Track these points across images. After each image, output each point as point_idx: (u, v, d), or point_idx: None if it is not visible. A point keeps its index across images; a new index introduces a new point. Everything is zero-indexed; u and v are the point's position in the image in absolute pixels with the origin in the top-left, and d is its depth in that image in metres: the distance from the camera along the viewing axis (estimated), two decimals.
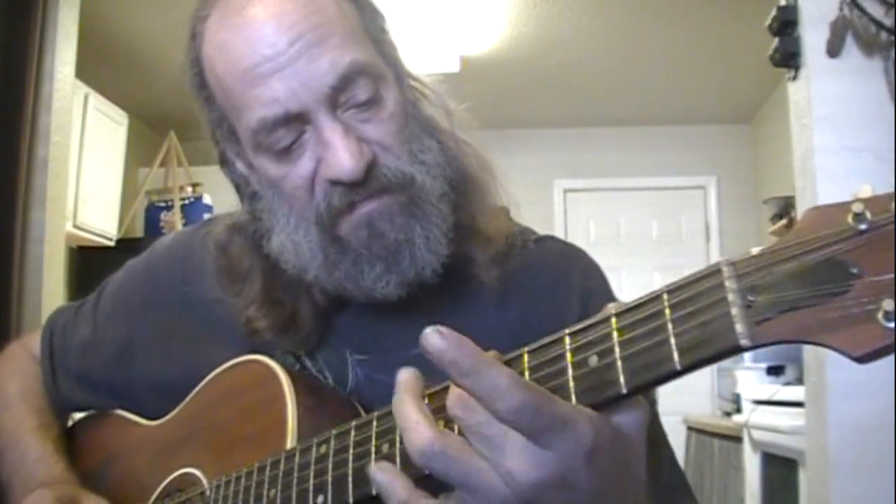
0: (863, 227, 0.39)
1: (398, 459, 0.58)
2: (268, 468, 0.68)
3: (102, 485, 0.88)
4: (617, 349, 0.47)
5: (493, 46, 3.75)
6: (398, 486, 0.52)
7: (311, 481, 0.63)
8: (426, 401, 0.54)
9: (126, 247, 3.70)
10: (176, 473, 0.80)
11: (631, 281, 4.60)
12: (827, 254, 0.40)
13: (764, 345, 0.41)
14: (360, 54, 0.68)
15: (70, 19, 2.43)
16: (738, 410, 3.36)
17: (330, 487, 0.61)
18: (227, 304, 0.80)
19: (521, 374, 0.52)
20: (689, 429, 3.98)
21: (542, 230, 0.86)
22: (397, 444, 0.58)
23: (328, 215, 0.70)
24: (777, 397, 2.85)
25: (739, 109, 4.66)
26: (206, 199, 4.12)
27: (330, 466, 0.62)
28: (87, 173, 3.47)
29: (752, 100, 4.50)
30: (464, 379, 0.47)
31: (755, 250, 0.44)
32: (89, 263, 3.68)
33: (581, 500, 0.47)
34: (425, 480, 0.54)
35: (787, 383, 2.99)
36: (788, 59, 2.04)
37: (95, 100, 3.51)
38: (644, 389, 0.46)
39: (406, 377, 0.53)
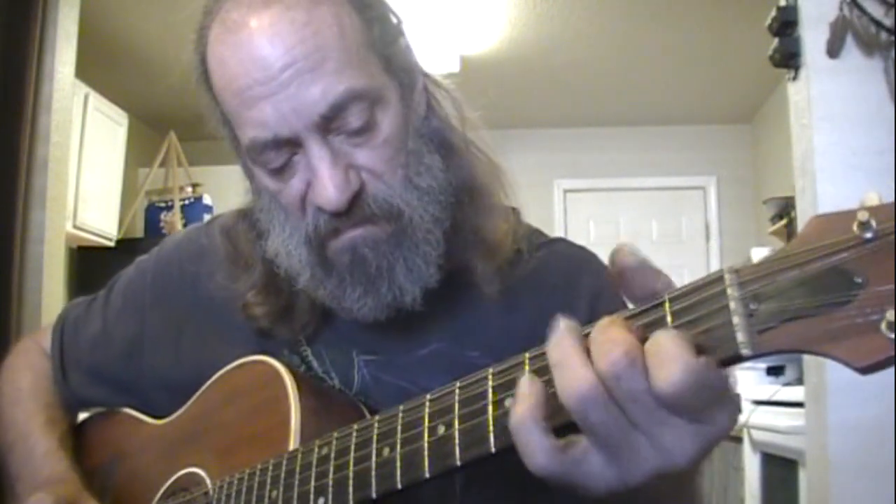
0: (868, 235, 0.38)
1: (398, 463, 0.58)
2: (270, 469, 0.68)
3: (108, 483, 0.88)
4: None
5: (493, 46, 3.74)
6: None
7: (313, 483, 0.63)
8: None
9: (126, 247, 3.70)
10: (180, 473, 0.81)
11: None
12: (831, 263, 0.39)
13: (765, 354, 0.40)
14: (355, 80, 0.66)
15: (70, 19, 2.42)
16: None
17: (331, 490, 0.62)
18: (233, 300, 0.81)
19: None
20: None
21: (542, 230, 0.86)
22: (398, 448, 0.58)
23: (315, 237, 0.70)
24: (777, 397, 2.85)
25: (739, 109, 4.66)
26: (206, 200, 4.12)
27: (331, 469, 0.62)
28: (87, 173, 3.46)
29: (752, 100, 4.50)
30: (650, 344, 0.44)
31: (755, 252, 0.44)
32: (89, 263, 3.68)
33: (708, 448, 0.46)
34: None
35: (787, 383, 2.99)
36: (788, 59, 2.04)
37: (95, 100, 3.51)
38: None
39: (567, 323, 0.48)
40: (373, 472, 0.59)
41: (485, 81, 4.00)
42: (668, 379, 0.42)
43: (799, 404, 2.36)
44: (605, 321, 0.47)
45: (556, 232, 4.85)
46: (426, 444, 0.56)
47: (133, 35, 3.41)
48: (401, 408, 0.60)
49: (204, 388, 0.81)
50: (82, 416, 1.01)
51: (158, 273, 0.91)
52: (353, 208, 0.68)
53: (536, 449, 0.47)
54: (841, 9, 1.94)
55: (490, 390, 0.54)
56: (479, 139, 0.79)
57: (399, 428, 0.59)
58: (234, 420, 0.77)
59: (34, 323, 2.21)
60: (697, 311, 0.44)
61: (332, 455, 0.63)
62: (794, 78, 2.06)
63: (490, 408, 0.54)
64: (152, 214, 4.16)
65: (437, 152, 0.74)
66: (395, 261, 0.69)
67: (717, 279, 0.44)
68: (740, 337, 0.41)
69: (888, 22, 1.92)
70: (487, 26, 3.55)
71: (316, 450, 0.64)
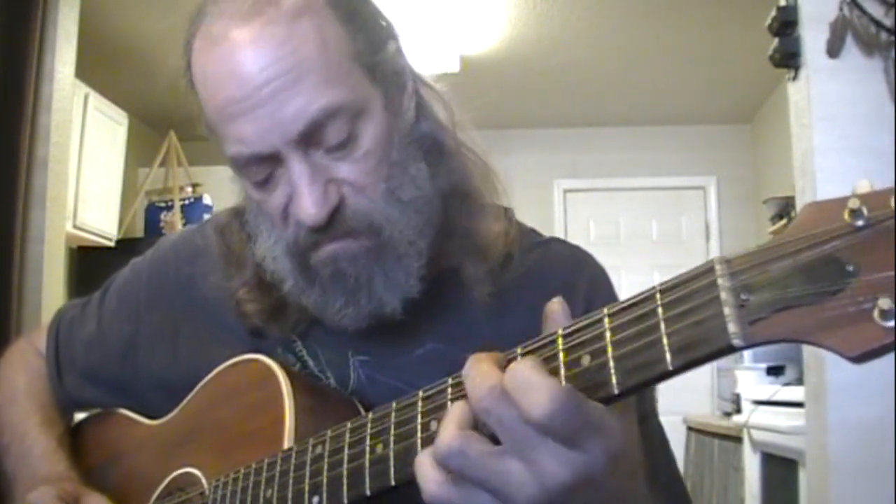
0: (859, 223, 0.38)
1: (392, 461, 0.58)
2: (265, 469, 0.68)
3: (105, 483, 0.88)
4: (609, 349, 0.47)
5: (493, 46, 3.74)
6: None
7: (307, 482, 0.63)
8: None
9: (126, 247, 3.70)
10: (176, 473, 0.80)
11: (631, 281, 4.59)
12: (822, 251, 0.39)
13: (757, 344, 0.40)
14: (334, 96, 0.66)
15: (70, 19, 2.42)
16: (738, 411, 3.35)
17: (325, 488, 0.62)
18: (228, 300, 0.81)
19: None
20: (689, 429, 3.98)
21: (542, 230, 0.86)
22: (391, 445, 0.58)
23: (297, 249, 0.71)
24: (777, 397, 2.84)
25: (739, 109, 4.66)
26: (206, 200, 4.12)
27: (325, 467, 0.62)
28: (87, 173, 3.46)
29: (752, 100, 4.49)
30: (508, 376, 0.48)
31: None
32: (89, 263, 3.68)
33: (602, 500, 0.49)
34: None
35: (787, 383, 2.99)
36: (788, 59, 2.03)
37: (95, 100, 3.51)
38: (636, 390, 0.46)
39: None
40: (366, 470, 0.59)
41: (485, 81, 4.02)
42: (537, 405, 0.46)
43: (799, 404, 2.36)
44: (474, 358, 0.52)
45: (556, 232, 4.86)
46: (420, 441, 0.56)
47: (133, 35, 3.41)
48: (394, 405, 0.60)
49: (199, 387, 0.81)
50: (78, 416, 1.01)
51: (154, 274, 0.91)
52: (333, 223, 0.68)
53: (428, 480, 0.51)
54: (841, 9, 1.94)
55: None
56: (470, 140, 0.79)
57: (392, 425, 0.59)
58: (229, 419, 0.77)
59: (34, 323, 2.21)
60: (688, 303, 0.44)
61: (326, 453, 0.63)
62: (794, 78, 2.05)
63: None
64: (152, 214, 4.16)
65: (424, 159, 0.74)
66: (374, 274, 0.70)
67: (707, 270, 0.43)
68: (732, 328, 0.41)
69: (888, 22, 1.92)
70: (487, 26, 3.55)
71: (310, 448, 0.64)
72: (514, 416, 0.47)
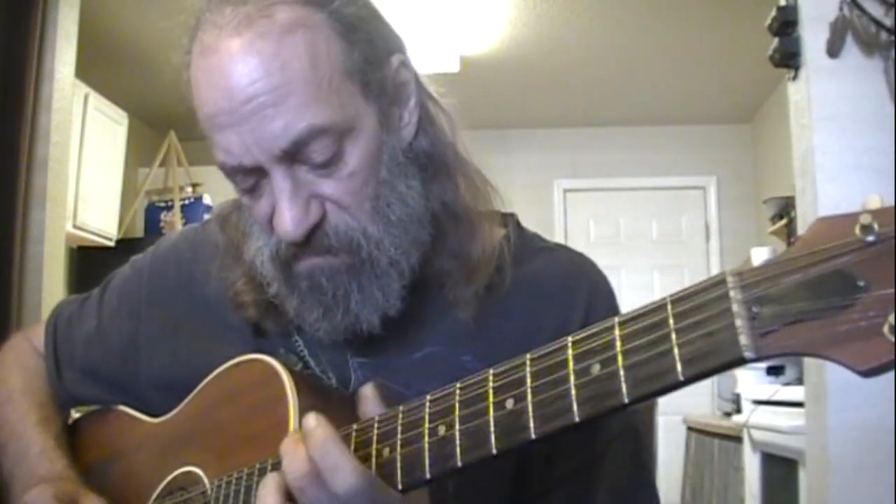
0: (870, 238, 0.38)
1: (399, 464, 0.58)
2: (269, 469, 0.67)
3: (104, 482, 0.88)
4: (620, 358, 0.47)
5: (493, 46, 3.74)
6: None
7: None
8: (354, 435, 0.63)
9: (126, 247, 3.70)
10: (177, 472, 0.80)
11: (631, 281, 4.60)
12: (834, 266, 0.39)
13: (768, 357, 0.40)
14: (319, 116, 0.65)
15: (70, 19, 2.42)
16: (738, 410, 3.35)
17: None
18: (228, 299, 0.81)
19: (524, 380, 0.52)
20: (689, 429, 3.98)
21: (542, 230, 0.86)
22: (398, 449, 0.58)
23: (279, 258, 0.71)
24: (777, 397, 2.85)
25: (739, 109, 4.66)
26: (206, 200, 4.11)
27: None
28: (87, 173, 3.46)
29: (752, 100, 4.49)
30: (320, 457, 0.57)
31: (755, 252, 0.44)
32: (89, 263, 3.68)
33: None
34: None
35: (787, 383, 2.99)
36: (788, 59, 2.03)
37: (95, 100, 3.51)
38: (645, 399, 0.46)
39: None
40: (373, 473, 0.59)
41: (485, 81, 4.02)
42: (344, 484, 0.56)
43: (799, 404, 2.36)
44: (290, 439, 0.60)
45: (556, 232, 4.85)
46: (426, 445, 0.56)
47: (133, 35, 3.40)
48: (401, 408, 0.60)
49: (201, 386, 0.81)
50: (75, 414, 1.01)
51: (154, 272, 0.91)
52: (313, 238, 0.69)
53: None
54: (841, 9, 1.94)
55: (491, 391, 0.54)
56: (469, 154, 0.79)
57: (399, 428, 0.59)
58: (231, 419, 0.76)
59: (34, 323, 2.20)
60: (699, 314, 0.44)
61: None
62: (794, 78, 2.05)
63: (491, 409, 0.54)
64: (152, 214, 4.16)
65: (419, 176, 0.73)
66: (351, 291, 0.70)
67: (719, 282, 0.44)
68: (743, 340, 0.41)
69: (888, 22, 1.92)
70: (487, 26, 3.55)
71: None
72: (323, 495, 0.57)
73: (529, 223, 0.85)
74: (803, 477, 2.46)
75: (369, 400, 0.64)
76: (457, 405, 0.56)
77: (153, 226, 4.12)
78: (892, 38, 1.92)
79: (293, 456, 0.58)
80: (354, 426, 0.63)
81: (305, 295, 0.71)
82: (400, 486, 0.58)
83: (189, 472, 0.79)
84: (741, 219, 4.77)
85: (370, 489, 0.56)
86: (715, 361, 0.43)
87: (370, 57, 0.70)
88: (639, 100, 4.48)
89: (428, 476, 0.56)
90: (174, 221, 4.04)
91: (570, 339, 0.51)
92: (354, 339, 0.72)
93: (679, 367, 0.44)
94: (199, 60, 0.68)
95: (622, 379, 0.47)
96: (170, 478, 0.81)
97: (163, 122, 4.16)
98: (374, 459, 0.60)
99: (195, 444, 0.80)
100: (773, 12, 2.05)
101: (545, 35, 3.64)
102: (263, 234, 0.72)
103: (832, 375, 1.88)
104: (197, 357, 0.83)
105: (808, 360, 2.08)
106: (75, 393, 0.95)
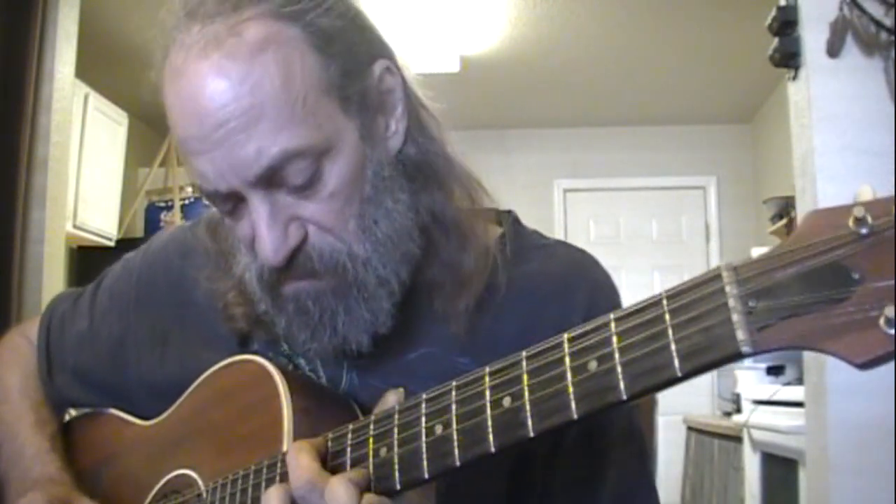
0: (864, 231, 0.38)
1: (396, 464, 0.58)
2: (264, 470, 0.67)
3: (98, 485, 0.87)
4: (616, 354, 0.47)
5: (493, 46, 3.74)
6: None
7: None
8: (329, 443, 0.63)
9: (126, 247, 3.63)
10: (171, 475, 0.80)
11: (631, 281, 4.60)
12: (828, 259, 0.39)
13: (765, 351, 0.40)
14: (294, 139, 0.63)
15: (70, 19, 2.42)
16: (738, 410, 3.35)
17: None
18: (217, 306, 0.80)
19: (520, 377, 0.52)
20: (689, 429, 3.98)
21: (542, 231, 0.84)
22: (395, 448, 0.58)
23: (263, 280, 0.70)
24: (777, 397, 2.84)
25: (739, 109, 4.66)
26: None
27: (327, 469, 0.62)
28: (87, 173, 3.46)
29: (752, 100, 4.50)
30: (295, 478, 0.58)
31: (755, 252, 0.44)
32: (89, 263, 3.68)
33: None
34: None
35: (787, 383, 2.99)
36: (788, 59, 2.03)
37: (95, 100, 3.51)
38: (643, 395, 0.46)
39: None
40: (371, 474, 0.59)
41: (485, 81, 4.02)
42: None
43: (799, 404, 2.36)
44: (297, 446, 0.60)
45: (556, 232, 4.85)
46: (424, 445, 0.56)
47: (133, 35, 3.41)
48: (397, 407, 0.60)
49: (192, 388, 0.80)
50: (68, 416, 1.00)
51: (144, 274, 0.90)
52: (295, 262, 0.67)
53: None
54: (841, 9, 1.94)
55: (488, 390, 0.54)
56: (460, 158, 0.77)
57: (396, 428, 0.59)
58: (224, 420, 0.76)
59: None
60: (696, 309, 0.44)
61: (328, 456, 0.63)
62: (794, 78, 2.05)
63: (488, 407, 0.53)
64: (152, 214, 4.16)
65: (407, 188, 0.71)
66: (338, 314, 0.68)
67: (714, 277, 0.44)
68: (740, 335, 0.41)
69: (888, 22, 1.92)
70: (487, 26, 3.55)
71: None
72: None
73: (529, 223, 0.84)
74: (803, 477, 2.46)
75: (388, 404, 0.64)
76: (454, 404, 0.56)
77: (153, 226, 4.12)
78: (892, 38, 1.92)
79: (297, 463, 0.59)
80: (350, 426, 0.62)
81: (292, 317, 0.69)
82: (398, 486, 0.58)
83: (183, 475, 0.78)
84: (741, 219, 4.77)
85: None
86: (712, 356, 0.43)
87: (350, 68, 0.67)
88: (639, 100, 4.48)
89: (426, 475, 0.56)
90: (174, 221, 4.04)
91: (566, 335, 0.51)
92: (345, 356, 0.71)
93: (676, 363, 0.44)
94: (169, 84, 0.66)
95: (619, 375, 0.46)
96: (164, 481, 0.80)
97: (163, 122, 4.02)
98: (371, 459, 0.60)
99: (188, 447, 0.79)
100: (773, 12, 2.05)
101: (545, 35, 3.64)
102: (248, 254, 0.71)
103: (832, 375, 1.88)
104: (185, 361, 0.82)
105: (807, 360, 2.08)
106: (65, 394, 0.95)
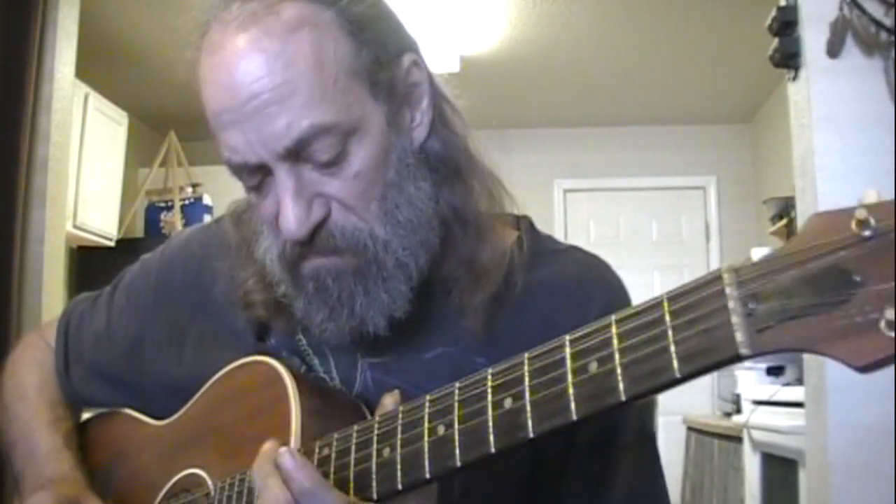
0: (867, 234, 0.38)
1: (398, 464, 0.58)
2: None
3: (110, 484, 0.88)
4: (617, 356, 0.47)
5: (493, 46, 3.74)
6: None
7: None
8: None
9: (126, 247, 3.70)
10: (181, 474, 0.80)
11: (631, 281, 4.52)
12: (830, 262, 0.39)
13: (764, 353, 0.40)
14: (323, 115, 0.65)
15: (70, 19, 2.42)
16: (738, 411, 3.35)
17: None
18: (235, 304, 0.80)
19: (522, 379, 0.52)
20: (689, 429, 3.98)
21: (554, 237, 0.84)
22: (398, 448, 0.58)
23: (285, 258, 0.71)
24: (777, 398, 2.84)
25: (739, 109, 4.66)
26: (206, 200, 4.11)
27: (332, 470, 0.62)
28: (87, 173, 3.46)
29: (752, 100, 4.50)
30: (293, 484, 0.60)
31: (755, 252, 0.44)
32: (89, 263, 3.68)
33: None
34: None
35: (787, 384, 2.99)
36: (788, 59, 2.03)
37: (95, 100, 3.51)
38: (642, 397, 0.46)
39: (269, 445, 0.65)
40: (373, 474, 0.59)
41: (485, 81, 4.02)
42: None
43: (799, 404, 2.36)
44: (263, 468, 0.62)
45: (556, 232, 4.85)
46: (426, 445, 0.56)
47: (133, 35, 3.41)
48: (401, 408, 0.60)
49: (204, 388, 0.81)
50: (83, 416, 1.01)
51: (162, 273, 0.91)
52: (317, 238, 0.68)
53: None
54: (841, 9, 1.94)
55: (490, 390, 0.54)
56: (482, 157, 0.78)
57: (399, 428, 0.59)
58: (234, 421, 0.77)
59: (34, 323, 2.20)
60: (696, 311, 0.44)
61: (333, 456, 0.63)
62: (794, 78, 2.05)
63: (490, 408, 0.54)
64: (152, 214, 4.16)
65: (430, 178, 0.72)
66: (357, 293, 0.69)
67: (715, 278, 0.44)
68: (739, 337, 0.41)
69: (888, 22, 1.92)
70: (487, 26, 3.55)
71: (317, 450, 0.65)
72: None
73: (541, 230, 0.84)
74: (803, 477, 2.46)
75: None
76: (456, 405, 0.56)
77: (153, 226, 4.12)
78: (892, 38, 1.92)
79: (268, 489, 0.62)
80: (355, 427, 0.63)
81: (312, 296, 0.70)
82: (400, 486, 0.58)
83: (193, 475, 0.79)
84: (741, 219, 4.77)
85: None
86: (711, 358, 0.43)
87: (380, 57, 0.69)
88: (639, 100, 4.48)
89: (427, 476, 0.57)
90: (174, 222, 4.04)
91: (567, 337, 0.51)
92: (363, 339, 0.71)
93: (676, 365, 0.44)
94: (206, 58, 0.68)
95: (619, 377, 0.47)
96: (174, 480, 0.81)
97: (163, 122, 4.16)
98: (374, 460, 0.60)
99: (199, 447, 0.80)
100: (773, 12, 2.05)
101: (545, 35, 3.64)
102: (271, 234, 0.72)
103: (832, 376, 1.88)
104: (201, 361, 0.83)
105: (807, 360, 2.08)
106: (83, 392, 0.95)
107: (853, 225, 0.39)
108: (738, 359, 0.42)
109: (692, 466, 3.85)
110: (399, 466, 0.58)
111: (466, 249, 0.74)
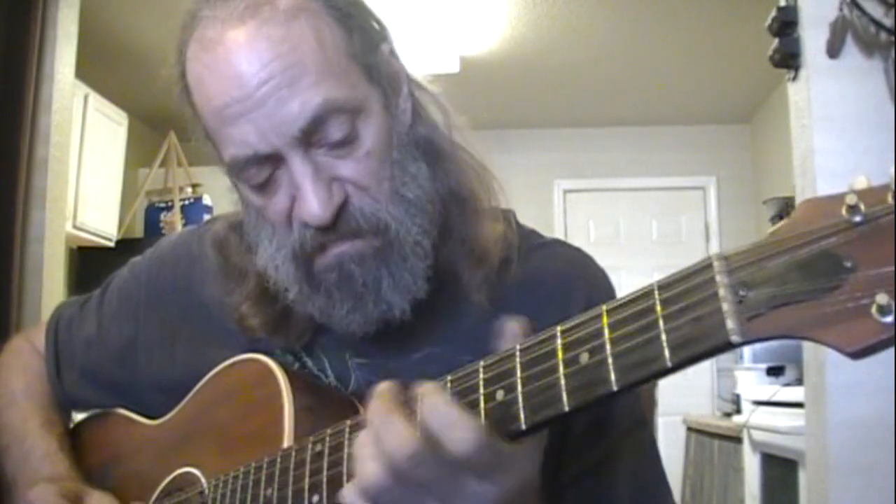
0: (857, 219, 0.38)
1: None
2: (264, 467, 0.68)
3: (104, 484, 0.88)
4: (608, 346, 0.47)
5: (493, 46, 3.74)
6: None
7: (307, 480, 0.63)
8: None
9: (126, 247, 3.70)
10: (176, 473, 0.81)
11: (631, 281, 4.58)
12: (820, 247, 0.39)
13: (755, 340, 0.40)
14: (334, 92, 0.66)
15: (70, 19, 2.42)
16: (738, 411, 3.35)
17: (325, 486, 0.61)
18: (226, 305, 0.80)
19: (514, 371, 0.52)
20: (689, 429, 3.98)
21: (542, 231, 0.85)
22: None
23: (302, 253, 0.70)
24: (777, 398, 2.84)
25: (739, 109, 4.66)
26: (206, 200, 4.12)
27: (325, 465, 0.62)
28: (87, 173, 3.46)
29: (752, 100, 4.50)
30: (428, 413, 0.51)
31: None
32: (89, 264, 3.68)
33: None
34: None
35: (787, 384, 2.98)
36: (788, 59, 2.03)
37: (95, 100, 3.51)
38: (635, 387, 0.46)
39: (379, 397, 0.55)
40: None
41: (484, 81, 4.02)
42: (461, 440, 0.49)
43: (799, 404, 2.36)
44: (382, 411, 0.53)
45: (556, 232, 4.85)
46: None
47: (133, 35, 3.41)
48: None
49: (198, 387, 0.81)
50: (76, 417, 1.01)
51: (153, 275, 0.91)
52: (339, 222, 0.68)
53: None
54: (841, 9, 1.94)
55: (481, 383, 0.54)
56: (467, 143, 0.78)
57: None
58: (228, 419, 0.77)
59: (34, 323, 2.20)
60: (686, 300, 0.44)
61: (326, 452, 0.63)
62: (794, 78, 2.05)
63: (482, 401, 0.53)
64: (152, 215, 4.16)
65: (423, 160, 0.73)
66: (382, 276, 0.69)
67: (705, 266, 0.44)
68: (730, 324, 0.41)
69: (888, 22, 1.92)
70: (487, 26, 3.55)
71: (310, 447, 0.64)
72: (436, 457, 0.50)
73: (529, 223, 0.85)
74: (803, 477, 2.46)
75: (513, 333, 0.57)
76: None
77: (153, 226, 4.12)
78: (892, 38, 1.91)
79: (392, 427, 0.52)
80: (348, 422, 0.63)
81: (333, 289, 0.70)
82: None
83: (187, 473, 0.79)
84: (741, 219, 4.76)
85: (492, 444, 0.50)
86: (703, 346, 0.42)
87: (366, 43, 0.71)
88: (639, 100, 4.48)
89: None
90: (174, 222, 4.04)
91: (558, 328, 0.51)
92: (388, 328, 0.71)
93: (667, 353, 0.44)
94: (202, 56, 0.67)
95: (610, 367, 0.46)
96: (168, 479, 0.81)
97: (163, 122, 4.16)
98: None
99: (193, 445, 0.80)
100: (773, 12, 2.05)
101: (545, 35, 3.64)
102: (279, 236, 0.71)
103: (832, 376, 1.88)
104: (194, 360, 0.83)
105: (807, 361, 2.08)
106: (74, 395, 0.95)
107: (843, 210, 0.39)
108: (730, 346, 0.42)
109: (692, 467, 3.84)
110: None
111: (464, 227, 0.75)
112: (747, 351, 3.18)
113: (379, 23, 0.75)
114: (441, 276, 0.74)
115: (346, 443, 0.62)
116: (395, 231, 0.69)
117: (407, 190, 0.70)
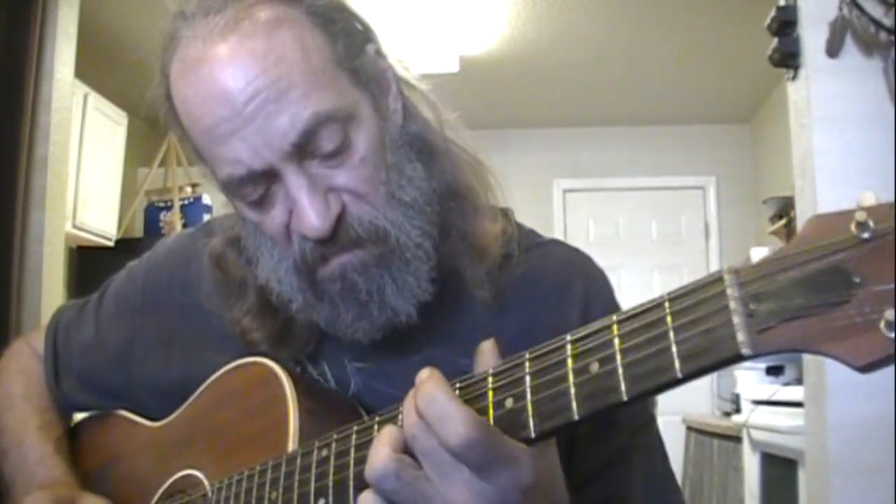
0: (865, 235, 0.39)
1: None
2: (269, 471, 0.68)
3: (104, 486, 0.88)
4: (618, 356, 0.47)
5: (493, 46, 3.74)
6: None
7: (313, 484, 0.63)
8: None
9: (125, 247, 3.70)
10: (178, 475, 0.80)
11: (630, 281, 4.60)
12: (829, 263, 0.39)
13: (765, 353, 0.41)
14: (322, 103, 0.65)
15: (70, 19, 2.42)
16: (738, 410, 3.36)
17: (331, 491, 0.61)
18: (224, 314, 0.80)
19: (523, 379, 0.53)
20: (689, 429, 3.98)
21: (541, 230, 0.85)
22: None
23: (304, 265, 0.69)
24: (776, 397, 2.85)
25: (739, 109, 4.66)
26: (206, 200, 4.11)
27: (331, 470, 0.62)
28: (87, 173, 3.46)
29: (752, 100, 4.50)
30: (427, 406, 0.52)
31: (754, 252, 0.44)
32: (89, 263, 3.68)
33: None
34: None
35: (787, 383, 2.99)
36: (788, 59, 2.03)
37: (95, 100, 3.51)
38: (644, 397, 0.47)
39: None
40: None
41: (484, 81, 4.03)
42: (454, 433, 0.50)
43: (798, 404, 2.36)
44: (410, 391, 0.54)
45: (556, 232, 4.85)
46: None
47: (133, 35, 3.41)
48: (401, 408, 0.60)
49: (201, 389, 0.81)
50: (77, 417, 1.01)
51: (149, 280, 0.90)
52: (338, 233, 0.67)
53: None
54: (840, 9, 1.94)
55: (491, 391, 0.54)
56: (460, 138, 0.78)
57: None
58: (231, 421, 0.76)
59: (34, 323, 2.21)
60: (697, 312, 0.44)
61: (333, 456, 0.63)
62: (794, 78, 2.06)
63: (491, 408, 0.54)
64: (152, 214, 4.16)
65: (418, 159, 0.73)
66: (385, 283, 0.69)
67: (716, 279, 0.44)
68: (740, 337, 0.41)
69: (888, 22, 1.92)
70: (487, 26, 3.55)
71: (316, 451, 0.64)
72: (435, 444, 0.51)
73: (529, 223, 0.85)
74: (803, 477, 2.47)
75: (487, 355, 0.58)
76: None
77: (153, 226, 4.12)
78: (892, 38, 1.92)
79: (406, 405, 0.54)
80: (354, 427, 0.63)
81: (337, 299, 0.69)
82: None
83: (189, 475, 0.79)
84: (741, 219, 4.77)
85: (486, 440, 0.50)
86: (712, 358, 0.43)
87: (351, 47, 0.70)
88: (639, 100, 4.48)
89: None
90: (174, 221, 4.04)
91: (568, 337, 0.51)
92: (395, 334, 0.71)
93: (677, 365, 0.44)
94: (186, 76, 0.66)
95: (621, 377, 0.47)
96: (170, 481, 0.81)
97: (163, 122, 4.15)
98: None
99: (195, 447, 0.80)
100: (773, 12, 2.05)
101: (545, 35, 3.64)
102: (279, 249, 0.70)
103: (832, 375, 1.88)
104: (191, 364, 0.83)
105: (807, 360, 2.08)
106: (72, 399, 0.95)
107: (852, 227, 0.39)
108: (740, 359, 0.42)
109: (692, 466, 3.85)
110: None
111: (464, 223, 0.75)
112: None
113: (362, 23, 0.73)
114: (444, 274, 0.73)
115: (352, 447, 0.62)
116: (395, 237, 0.69)
117: (404, 193, 0.70)
